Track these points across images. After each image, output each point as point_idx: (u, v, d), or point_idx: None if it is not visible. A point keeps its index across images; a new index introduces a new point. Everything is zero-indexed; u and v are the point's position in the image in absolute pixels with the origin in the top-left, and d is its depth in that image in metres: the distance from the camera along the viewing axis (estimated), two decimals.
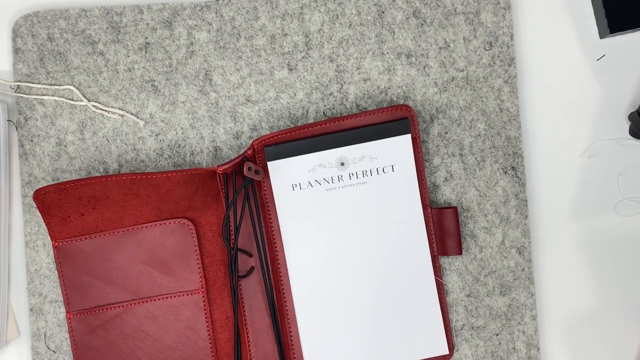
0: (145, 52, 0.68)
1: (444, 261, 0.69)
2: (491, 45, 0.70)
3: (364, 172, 0.66)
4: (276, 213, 0.66)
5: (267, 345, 0.66)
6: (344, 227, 0.66)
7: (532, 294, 0.69)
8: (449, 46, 0.70)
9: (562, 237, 0.71)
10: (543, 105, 0.72)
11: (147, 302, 0.66)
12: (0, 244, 0.66)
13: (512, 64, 0.70)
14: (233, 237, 0.66)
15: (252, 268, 0.67)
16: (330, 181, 0.66)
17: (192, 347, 0.66)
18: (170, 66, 0.68)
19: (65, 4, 0.69)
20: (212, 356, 0.66)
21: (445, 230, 0.67)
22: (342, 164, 0.66)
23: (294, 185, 0.66)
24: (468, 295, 0.69)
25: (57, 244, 0.65)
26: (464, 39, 0.70)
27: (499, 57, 0.70)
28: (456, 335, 0.69)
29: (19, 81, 0.68)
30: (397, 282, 0.66)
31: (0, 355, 0.67)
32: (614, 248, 0.71)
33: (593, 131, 0.72)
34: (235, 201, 0.65)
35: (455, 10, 0.70)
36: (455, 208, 0.68)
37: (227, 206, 0.66)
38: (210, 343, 0.66)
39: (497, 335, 0.69)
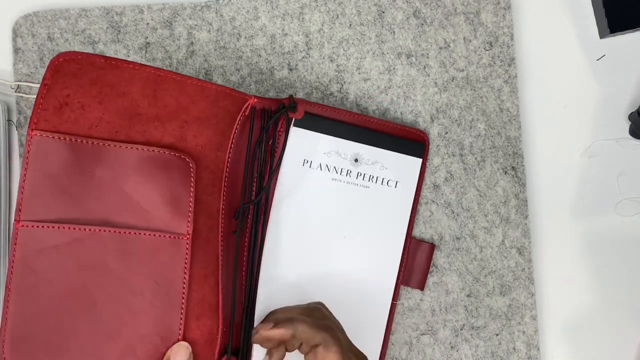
0: (146, 52, 0.68)
1: (445, 260, 0.69)
2: (491, 45, 0.70)
3: (371, 177, 0.67)
4: (277, 179, 0.65)
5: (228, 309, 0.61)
6: (331, 220, 0.66)
7: (532, 294, 0.69)
8: (449, 46, 0.70)
9: (562, 237, 0.71)
10: (543, 105, 0.72)
11: (120, 232, 0.55)
12: (1, 243, 0.66)
13: (512, 64, 0.70)
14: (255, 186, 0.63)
15: (240, 223, 0.62)
16: (340, 172, 0.66)
17: (161, 298, 0.56)
18: (170, 66, 0.68)
19: (65, 3, 0.69)
20: (181, 314, 0.57)
21: (416, 263, 0.68)
22: (356, 160, 0.66)
23: (305, 161, 0.65)
24: (468, 295, 0.69)
25: (34, 132, 0.53)
26: (464, 39, 0.70)
27: (499, 57, 0.70)
28: (456, 336, 0.69)
29: (19, 81, 0.68)
30: (356, 294, 0.66)
31: None
32: (614, 248, 0.71)
33: (593, 131, 0.72)
34: (264, 142, 0.61)
35: (456, 10, 0.70)
36: (433, 245, 0.68)
37: (248, 148, 0.61)
38: (183, 299, 0.57)
39: (497, 335, 0.69)
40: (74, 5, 0.69)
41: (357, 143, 0.66)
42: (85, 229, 0.54)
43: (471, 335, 0.69)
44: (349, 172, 0.66)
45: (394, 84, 0.70)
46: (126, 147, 0.55)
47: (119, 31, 0.68)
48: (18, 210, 0.53)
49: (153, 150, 0.56)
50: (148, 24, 0.69)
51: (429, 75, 0.70)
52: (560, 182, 0.72)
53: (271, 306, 0.64)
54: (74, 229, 0.54)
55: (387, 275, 0.67)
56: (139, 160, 0.56)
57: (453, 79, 0.70)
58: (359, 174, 0.67)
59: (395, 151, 0.67)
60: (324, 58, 0.69)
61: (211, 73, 0.69)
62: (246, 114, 0.61)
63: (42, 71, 0.68)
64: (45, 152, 0.53)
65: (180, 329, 0.57)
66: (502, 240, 0.70)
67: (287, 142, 0.65)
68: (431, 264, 0.69)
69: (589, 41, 0.72)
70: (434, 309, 0.69)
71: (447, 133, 0.70)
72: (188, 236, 0.57)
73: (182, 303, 0.57)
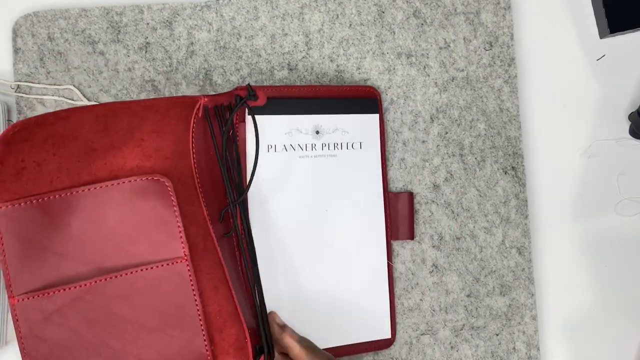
0: (146, 52, 0.68)
1: (445, 260, 0.69)
2: (491, 45, 0.70)
3: (335, 144, 0.67)
4: (246, 170, 0.64)
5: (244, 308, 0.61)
6: (309, 199, 0.66)
7: (532, 294, 0.69)
8: (449, 46, 0.70)
9: (562, 237, 0.71)
10: (543, 105, 0.72)
11: (116, 277, 0.53)
12: None
13: (512, 64, 0.70)
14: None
15: (232, 227, 0.62)
16: (304, 148, 0.66)
17: (179, 327, 0.55)
18: (170, 66, 0.68)
19: (65, 4, 0.69)
20: (203, 335, 0.56)
21: (399, 214, 0.68)
22: (317, 132, 0.66)
23: (269, 147, 0.65)
24: (468, 295, 0.69)
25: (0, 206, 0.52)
26: (464, 39, 0.70)
27: (499, 57, 0.70)
28: (456, 335, 0.69)
29: (19, 81, 0.68)
30: (351, 262, 0.66)
31: (0, 355, 0.67)
32: (614, 248, 0.71)
33: (593, 131, 0.72)
34: (228, 140, 0.60)
35: (456, 10, 0.70)
36: (410, 193, 0.68)
37: (216, 149, 0.60)
38: (200, 319, 0.56)
39: (497, 335, 0.69)
40: (74, 5, 0.69)
41: (313, 115, 0.66)
42: (81, 285, 0.53)
43: (471, 335, 0.69)
44: (313, 145, 0.66)
45: (394, 84, 0.70)
46: (94, 188, 0.54)
47: (119, 31, 0.68)
48: (9, 286, 0.52)
49: (123, 182, 0.55)
50: (148, 24, 0.69)
51: (429, 75, 0.70)
52: (560, 182, 0.72)
53: (275, 295, 0.64)
54: (70, 288, 0.53)
55: (376, 234, 0.67)
56: (112, 197, 0.54)
57: (453, 78, 0.70)
58: (324, 145, 0.66)
59: (351, 113, 0.67)
60: (324, 58, 0.69)
61: (211, 73, 0.69)
62: (199, 115, 0.60)
63: (42, 71, 0.68)
64: (16, 221, 0.52)
65: (207, 350, 0.56)
66: (502, 240, 0.70)
67: (247, 134, 0.63)
68: (414, 212, 0.69)
69: (589, 41, 0.72)
70: (434, 309, 0.69)
71: (447, 133, 0.70)
72: (185, 257, 0.56)
73: (201, 323, 0.56)
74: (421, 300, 0.69)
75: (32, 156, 0.53)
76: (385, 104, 0.70)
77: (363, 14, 0.70)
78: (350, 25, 0.70)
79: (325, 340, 0.65)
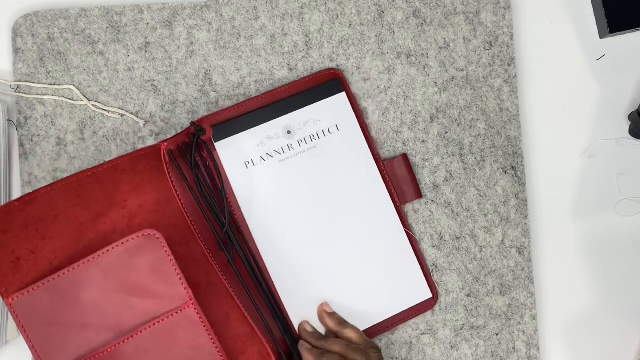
0: (145, 51, 0.68)
1: (445, 260, 0.69)
2: (491, 45, 0.70)
3: (311, 136, 0.67)
4: (233, 194, 0.65)
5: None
6: (304, 195, 0.66)
7: (532, 294, 0.69)
8: (449, 46, 0.70)
9: (562, 237, 0.71)
10: (543, 105, 0.72)
11: (134, 336, 0.57)
12: None
13: (512, 63, 0.70)
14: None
15: (231, 253, 0.63)
16: (281, 151, 0.66)
17: None
18: (170, 66, 0.68)
19: (65, 3, 0.69)
20: None
21: (400, 178, 0.68)
22: (289, 132, 0.66)
23: (247, 163, 0.66)
24: (468, 295, 0.69)
25: (11, 300, 0.56)
26: (464, 38, 0.70)
27: (499, 56, 0.70)
28: (456, 335, 0.69)
29: (19, 81, 0.68)
30: (368, 239, 0.67)
31: (0, 355, 0.67)
32: (614, 248, 0.71)
33: (593, 131, 0.72)
34: (200, 179, 0.62)
35: (455, 10, 0.70)
36: (404, 155, 0.68)
37: (190, 188, 0.62)
38: (219, 352, 0.59)
39: (497, 335, 0.69)
40: (74, 5, 0.69)
41: (279, 118, 0.66)
42: (104, 351, 0.56)
43: (471, 335, 0.69)
44: (289, 146, 0.66)
45: (394, 83, 0.70)
46: (93, 259, 0.57)
47: (119, 31, 0.68)
48: None
49: (117, 246, 0.57)
50: (148, 23, 0.69)
51: (429, 75, 0.70)
52: (560, 182, 0.72)
53: (297, 299, 0.65)
54: (96, 355, 0.56)
55: (383, 204, 0.67)
56: (111, 262, 0.57)
57: (453, 78, 0.70)
58: (300, 141, 0.66)
59: (316, 101, 0.67)
60: (323, 58, 0.69)
61: (211, 73, 0.69)
62: (167, 160, 0.62)
63: (42, 71, 0.68)
64: (31, 308, 0.56)
65: None
66: (502, 240, 0.70)
67: (222, 160, 0.65)
68: (414, 172, 0.69)
69: (589, 41, 0.72)
70: (434, 308, 0.69)
71: (447, 133, 0.70)
72: (191, 301, 0.58)
73: (220, 355, 0.58)
74: None
75: (22, 245, 0.56)
76: (385, 104, 0.70)
77: (363, 13, 0.70)
78: (350, 25, 0.70)
79: (368, 319, 0.66)
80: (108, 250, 0.57)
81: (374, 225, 0.67)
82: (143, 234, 0.58)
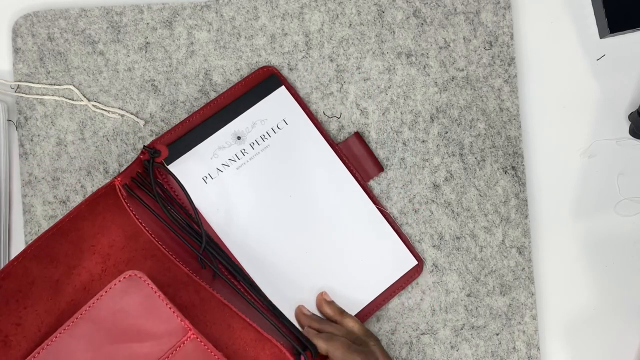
0: (145, 51, 0.68)
1: (445, 260, 0.69)
2: (491, 45, 0.70)
3: (262, 136, 0.67)
4: (199, 212, 0.65)
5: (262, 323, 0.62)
6: (269, 196, 0.66)
7: (532, 294, 0.69)
8: (449, 46, 0.70)
9: (562, 237, 0.71)
10: (543, 105, 0.72)
11: None
12: (0, 244, 0.66)
13: (512, 63, 0.70)
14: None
15: (215, 266, 0.63)
16: (236, 158, 0.66)
17: None
18: (170, 66, 0.68)
19: (65, 3, 0.69)
20: None
21: (358, 157, 0.68)
22: (239, 137, 0.66)
23: (205, 178, 0.66)
24: (468, 295, 0.69)
25: None
26: (464, 38, 0.70)
27: (499, 56, 0.70)
28: (456, 335, 0.69)
29: (19, 81, 0.68)
30: (341, 223, 0.67)
31: None
32: (614, 248, 0.71)
33: (593, 131, 0.72)
34: (168, 204, 0.61)
35: (455, 10, 0.70)
36: (357, 133, 0.68)
37: (157, 216, 0.61)
38: None
39: (497, 335, 0.69)
40: (74, 5, 0.69)
41: (226, 126, 0.66)
42: None
43: (471, 335, 0.69)
44: (242, 151, 0.66)
45: (394, 83, 0.70)
46: (80, 315, 0.55)
47: (119, 31, 0.68)
48: None
49: (102, 296, 0.55)
50: (148, 23, 0.69)
51: (429, 75, 0.70)
52: (560, 182, 0.72)
53: (288, 299, 0.65)
54: None
55: (347, 186, 0.67)
56: (100, 314, 0.55)
57: (453, 78, 0.70)
58: (252, 144, 0.66)
59: (258, 101, 0.67)
60: (323, 58, 0.69)
61: (211, 73, 0.69)
62: (124, 195, 0.61)
63: (42, 71, 0.68)
64: None
65: None
66: (502, 240, 0.70)
67: (178, 180, 0.63)
68: (369, 147, 0.69)
69: (589, 41, 0.72)
70: (434, 309, 0.69)
71: (447, 133, 0.70)
72: (190, 329, 0.56)
73: None
74: (421, 299, 0.69)
75: (6, 322, 0.54)
76: (385, 104, 0.70)
77: (363, 13, 0.70)
78: (350, 25, 0.70)
79: (361, 300, 0.67)
80: (94, 303, 0.55)
81: (344, 208, 0.67)
82: (125, 277, 0.55)
